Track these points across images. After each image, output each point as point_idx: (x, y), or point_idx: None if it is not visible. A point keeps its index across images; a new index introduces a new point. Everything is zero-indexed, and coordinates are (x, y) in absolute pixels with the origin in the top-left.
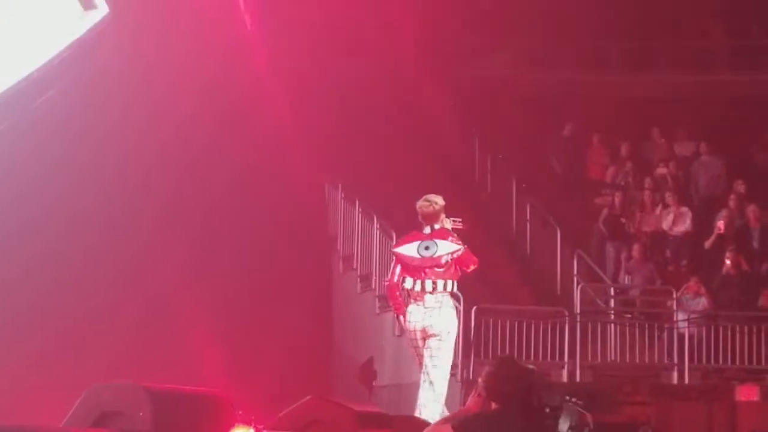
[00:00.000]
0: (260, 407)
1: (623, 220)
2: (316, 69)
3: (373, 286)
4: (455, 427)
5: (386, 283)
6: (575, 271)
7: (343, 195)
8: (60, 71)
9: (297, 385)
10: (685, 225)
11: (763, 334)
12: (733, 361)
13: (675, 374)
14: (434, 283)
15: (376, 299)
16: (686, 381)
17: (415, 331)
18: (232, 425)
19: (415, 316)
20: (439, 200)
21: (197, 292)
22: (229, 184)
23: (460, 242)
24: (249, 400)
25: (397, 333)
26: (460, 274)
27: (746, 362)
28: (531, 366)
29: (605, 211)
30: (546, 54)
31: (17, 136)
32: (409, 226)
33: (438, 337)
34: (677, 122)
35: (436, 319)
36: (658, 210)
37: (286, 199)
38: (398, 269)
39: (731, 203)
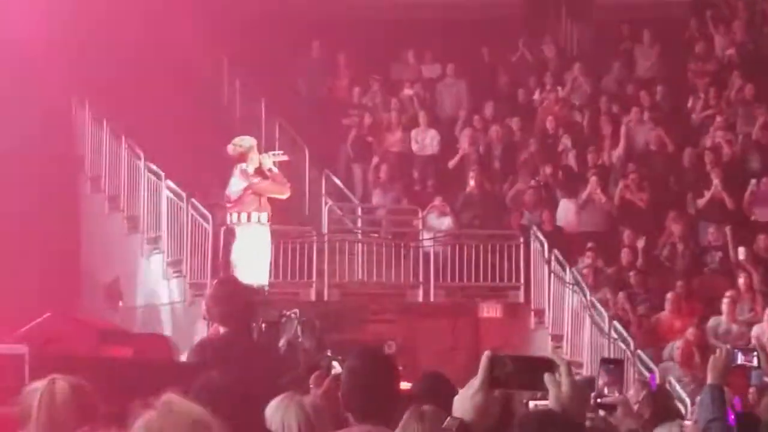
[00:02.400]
0: (6, 328)
1: (370, 140)
2: None
3: (122, 207)
4: (188, 357)
5: None
6: (323, 191)
7: (90, 114)
8: None
9: (45, 306)
10: (432, 146)
11: (505, 253)
12: (477, 279)
13: (420, 292)
14: (229, 216)
15: (125, 220)
16: (431, 299)
17: None
18: None
19: None
20: (243, 142)
21: None
22: None
23: (243, 178)
24: None
25: (145, 254)
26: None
27: (489, 280)
28: (251, 285)
29: (353, 132)
30: None
31: None
32: (159, 147)
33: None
34: (424, 44)
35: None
36: (400, 131)
37: (33, 117)
38: None
39: (476, 124)
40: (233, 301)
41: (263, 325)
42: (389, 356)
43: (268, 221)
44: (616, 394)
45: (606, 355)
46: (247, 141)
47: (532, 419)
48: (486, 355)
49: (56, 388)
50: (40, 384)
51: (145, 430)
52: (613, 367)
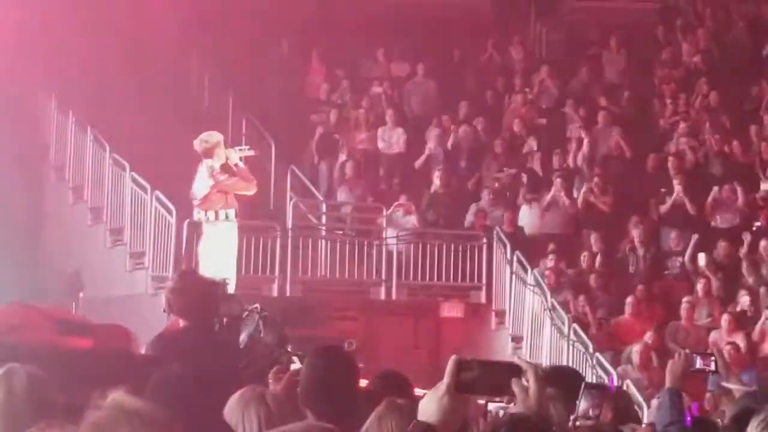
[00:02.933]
0: None
1: (337, 137)
2: None
3: (85, 198)
4: (147, 350)
5: None
6: (288, 187)
7: (56, 104)
8: None
9: (4, 293)
10: (399, 145)
11: (468, 253)
12: (439, 278)
13: (383, 290)
14: (196, 212)
15: (89, 211)
16: (394, 297)
17: None
18: None
19: None
20: (211, 138)
21: None
22: None
23: (209, 176)
24: None
25: (108, 245)
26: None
27: (451, 280)
28: (213, 279)
29: (320, 129)
30: None
31: None
32: (125, 138)
33: None
34: (394, 43)
35: None
36: (367, 129)
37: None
38: None
39: (444, 123)
40: (194, 294)
41: (224, 320)
42: (349, 353)
43: (235, 218)
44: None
45: (565, 358)
46: (214, 137)
47: (509, 424)
48: (453, 358)
49: (14, 377)
50: None
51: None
52: (596, 392)
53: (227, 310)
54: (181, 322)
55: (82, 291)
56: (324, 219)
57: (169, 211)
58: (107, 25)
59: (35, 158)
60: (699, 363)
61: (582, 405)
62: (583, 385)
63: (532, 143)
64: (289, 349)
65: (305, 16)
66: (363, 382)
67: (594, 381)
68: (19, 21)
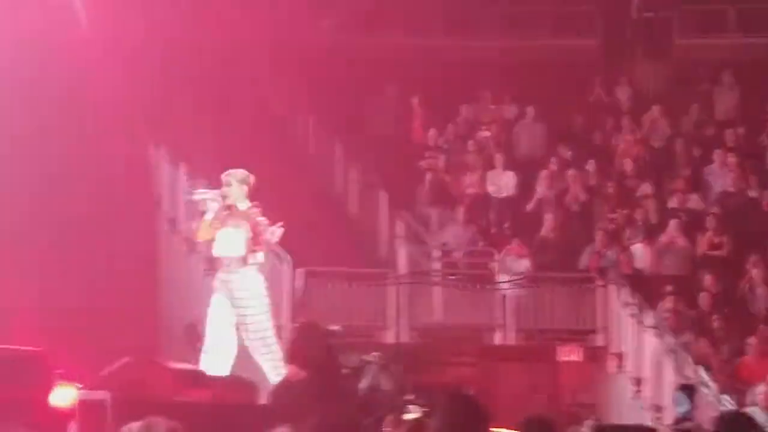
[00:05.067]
0: (85, 368)
1: (447, 181)
2: (141, 29)
3: (199, 249)
4: (267, 400)
5: None
6: (399, 233)
7: (167, 156)
8: None
9: (123, 346)
10: (508, 189)
11: (583, 296)
12: (555, 322)
13: (498, 335)
14: None
15: (202, 261)
16: (509, 342)
17: None
18: (53, 384)
19: None
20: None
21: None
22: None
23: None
24: (74, 361)
25: None
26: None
27: (567, 323)
28: (334, 328)
29: (429, 174)
30: (372, 19)
31: None
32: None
33: None
34: (501, 85)
35: None
36: (477, 173)
37: (113, 160)
38: None
39: (552, 166)
40: (315, 344)
41: (344, 370)
42: (479, 399)
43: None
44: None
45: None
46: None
47: None
48: (588, 425)
49: (153, 429)
50: (135, 426)
51: None
52: (689, 392)
53: (346, 361)
54: (300, 372)
55: (200, 342)
56: (436, 265)
57: (282, 260)
58: (215, 73)
59: (149, 208)
60: None
61: (679, 409)
62: (679, 387)
63: (645, 187)
64: (409, 397)
65: (409, 62)
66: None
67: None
68: (134, 74)
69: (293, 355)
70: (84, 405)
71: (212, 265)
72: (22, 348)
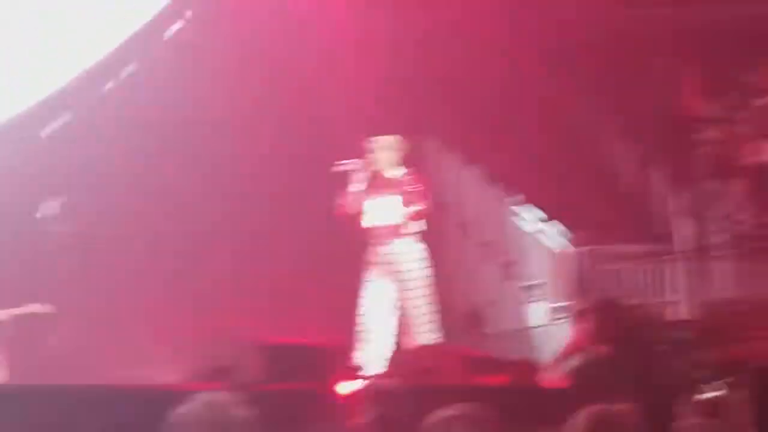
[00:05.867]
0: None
1: (725, 153)
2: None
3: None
4: (570, 374)
5: None
6: (677, 208)
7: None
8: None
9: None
10: None
11: None
12: None
13: None
14: None
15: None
16: None
17: None
18: (341, 376)
19: None
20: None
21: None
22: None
23: None
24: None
25: (502, 279)
26: None
27: None
28: (634, 304)
29: (706, 146)
30: None
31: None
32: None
33: None
34: None
35: None
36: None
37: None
38: None
39: None
40: (620, 322)
41: (657, 348)
42: None
43: None
44: None
45: None
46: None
47: None
48: None
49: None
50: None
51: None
52: None
53: (656, 337)
54: (592, 349)
55: (485, 327)
56: (720, 238)
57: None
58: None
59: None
60: None
61: None
62: None
63: None
64: (714, 373)
65: (678, 32)
66: None
67: None
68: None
69: (597, 333)
70: (372, 394)
71: (366, 237)
72: (309, 340)
